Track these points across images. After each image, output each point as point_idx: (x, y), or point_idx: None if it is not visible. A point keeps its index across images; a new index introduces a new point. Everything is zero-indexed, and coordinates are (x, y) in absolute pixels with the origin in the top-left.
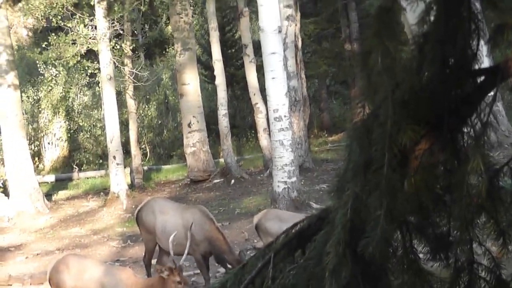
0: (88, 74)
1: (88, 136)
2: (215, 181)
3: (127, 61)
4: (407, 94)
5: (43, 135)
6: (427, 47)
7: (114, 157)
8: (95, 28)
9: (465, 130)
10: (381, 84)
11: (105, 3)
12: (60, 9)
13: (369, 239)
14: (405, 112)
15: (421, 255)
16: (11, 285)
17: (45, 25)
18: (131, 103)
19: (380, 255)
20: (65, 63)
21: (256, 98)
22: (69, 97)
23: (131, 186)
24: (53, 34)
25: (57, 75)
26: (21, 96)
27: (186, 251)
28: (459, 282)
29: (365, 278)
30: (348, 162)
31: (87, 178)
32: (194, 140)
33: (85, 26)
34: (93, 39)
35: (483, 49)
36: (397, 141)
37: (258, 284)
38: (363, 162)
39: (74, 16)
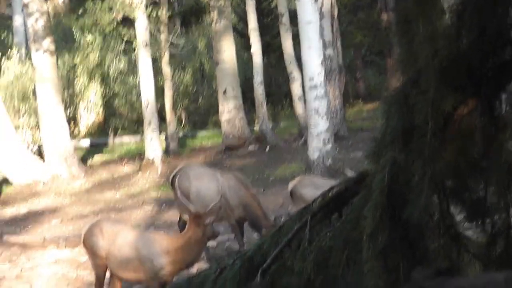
0: (124, 41)
1: (123, 102)
2: (250, 148)
3: (163, 28)
4: (446, 61)
5: (79, 101)
6: (466, 15)
7: (149, 123)
8: None
9: (503, 96)
10: (422, 51)
11: None
12: None
13: (414, 207)
14: (444, 79)
15: (457, 219)
16: (46, 247)
17: None
18: (166, 70)
19: (422, 221)
20: (101, 29)
21: (291, 67)
22: (105, 63)
23: (166, 152)
24: (89, 0)
25: (93, 42)
26: (57, 62)
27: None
28: (495, 246)
29: (403, 242)
30: (385, 128)
31: (122, 143)
32: (229, 107)
33: None
34: (130, 6)
35: None
36: (439, 109)
37: (295, 247)
38: (401, 128)
39: None
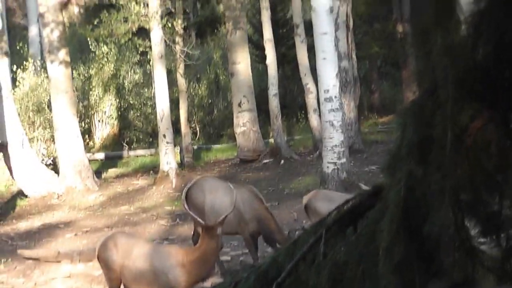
0: (139, 52)
1: (138, 114)
2: (265, 161)
3: (178, 39)
4: (462, 73)
5: (94, 113)
6: (482, 26)
7: (164, 136)
8: (147, 5)
9: None
10: (439, 63)
11: None
12: None
13: (435, 221)
14: (461, 90)
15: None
16: (60, 261)
17: (97, 2)
18: (181, 82)
19: (441, 235)
20: (116, 40)
21: (306, 79)
22: (120, 75)
23: (181, 165)
24: (104, 11)
25: (108, 53)
26: (72, 73)
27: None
28: (510, 260)
29: (419, 256)
30: (401, 140)
31: (137, 156)
32: (244, 120)
33: (136, 3)
34: (145, 16)
35: None
36: (458, 121)
37: (310, 260)
38: (418, 140)
39: None
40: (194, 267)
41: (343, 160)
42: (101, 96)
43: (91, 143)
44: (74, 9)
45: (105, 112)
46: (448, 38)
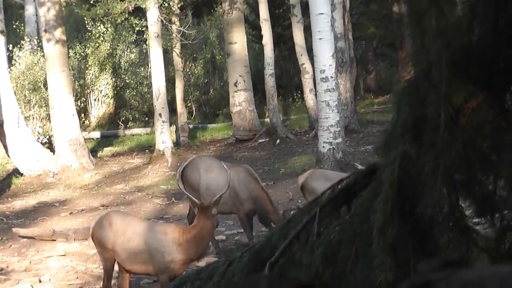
0: (136, 31)
1: (134, 93)
2: (261, 140)
3: (174, 19)
4: (457, 53)
5: (90, 92)
6: (478, 6)
7: (160, 115)
8: None
9: None
10: (434, 44)
11: None
12: None
13: (427, 202)
14: (455, 71)
15: (466, 213)
16: (55, 240)
17: None
18: (177, 61)
19: (434, 215)
20: (112, 20)
21: (303, 59)
22: (116, 54)
23: (176, 144)
24: None
25: (105, 32)
26: (68, 52)
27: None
28: (504, 241)
29: (413, 236)
30: (396, 120)
31: (133, 135)
32: (240, 99)
33: None
34: None
35: None
36: (451, 101)
37: (303, 239)
38: (412, 120)
39: None
40: (189, 246)
41: (339, 140)
42: (97, 75)
43: (87, 121)
44: None
45: (101, 91)
46: (442, 19)
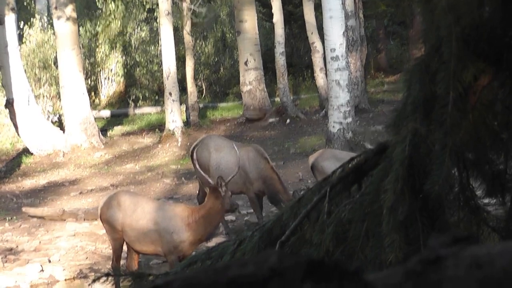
0: (146, 9)
1: (144, 72)
2: (271, 120)
3: None
4: (468, 29)
5: (100, 70)
6: None
7: (170, 94)
8: None
9: None
10: (444, 20)
11: None
12: None
13: (435, 179)
14: (466, 48)
15: (477, 193)
16: (64, 220)
17: None
18: (188, 40)
19: (442, 192)
20: None
21: (313, 37)
22: (127, 32)
23: (187, 123)
24: None
25: (115, 10)
26: (79, 30)
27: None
28: None
29: (423, 214)
30: (407, 97)
31: (143, 114)
32: (250, 78)
33: None
34: None
35: None
36: (461, 79)
37: (314, 218)
38: (423, 98)
39: None
40: (198, 226)
41: (349, 119)
42: (107, 53)
43: (97, 100)
44: None
45: (111, 69)
46: None
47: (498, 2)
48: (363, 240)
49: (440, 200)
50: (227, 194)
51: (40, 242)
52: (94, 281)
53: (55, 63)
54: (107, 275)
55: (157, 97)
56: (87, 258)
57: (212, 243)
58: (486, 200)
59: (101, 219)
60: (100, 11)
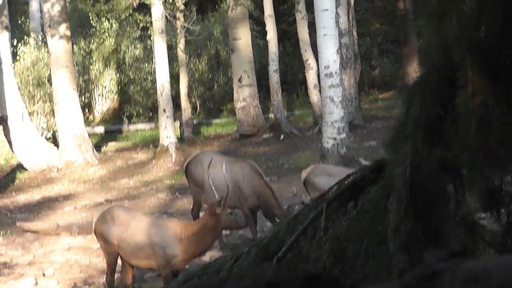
0: (140, 27)
1: (138, 89)
2: (265, 136)
3: (179, 15)
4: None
5: (94, 87)
6: (488, 2)
7: (164, 110)
8: None
9: None
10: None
11: None
12: None
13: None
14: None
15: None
16: (59, 234)
17: None
18: (182, 57)
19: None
20: (117, 15)
21: (307, 55)
22: (121, 50)
23: (181, 139)
24: None
25: (109, 28)
26: (73, 48)
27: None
28: (511, 236)
29: (426, 235)
30: (405, 117)
31: (137, 130)
32: (244, 95)
33: None
34: None
35: None
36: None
37: (310, 235)
38: (424, 118)
39: None
40: (190, 242)
41: (343, 135)
42: (101, 70)
43: (91, 117)
44: None
45: (105, 86)
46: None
47: (497, 21)
48: (363, 258)
49: (444, 220)
50: (223, 213)
51: (34, 256)
52: None
53: (49, 80)
54: None
55: (151, 114)
56: (81, 271)
57: (206, 257)
58: (482, 215)
59: (95, 234)
60: (94, 29)
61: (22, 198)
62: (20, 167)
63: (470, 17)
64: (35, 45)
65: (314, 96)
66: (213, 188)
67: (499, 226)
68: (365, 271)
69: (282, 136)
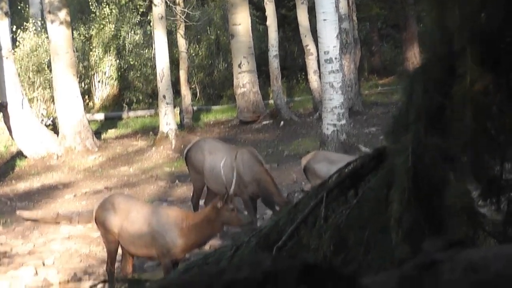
0: (140, 12)
1: (138, 75)
2: (264, 122)
3: (179, 0)
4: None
5: (94, 73)
6: None
7: (164, 97)
8: None
9: None
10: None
11: None
12: None
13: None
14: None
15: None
16: (59, 223)
17: None
18: (182, 43)
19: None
20: (117, 1)
21: (307, 40)
22: (120, 35)
23: (180, 126)
24: None
25: (109, 14)
26: (73, 34)
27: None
28: (511, 225)
29: (428, 222)
30: (407, 105)
31: (137, 117)
32: (244, 81)
33: None
34: None
35: None
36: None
37: (311, 223)
38: (426, 106)
39: None
40: (192, 232)
41: (343, 121)
42: (101, 56)
43: (90, 103)
44: None
45: (105, 72)
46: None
47: (499, 8)
48: (365, 247)
49: (447, 210)
50: (225, 207)
51: (34, 245)
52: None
53: (49, 67)
54: (104, 281)
55: (151, 100)
56: (81, 261)
57: (206, 246)
58: (482, 204)
59: (96, 222)
60: (93, 15)
61: (22, 186)
62: (20, 154)
63: (472, 5)
64: (35, 31)
65: (314, 82)
66: (234, 180)
67: (500, 215)
68: (367, 260)
69: (282, 123)
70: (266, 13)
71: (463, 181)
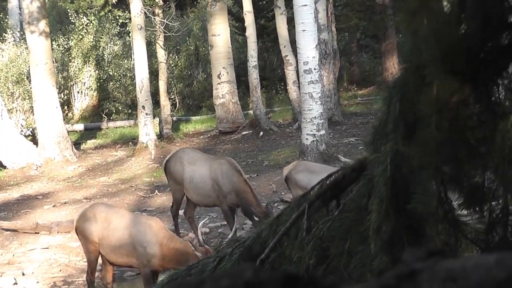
0: (119, 23)
1: (117, 85)
2: (244, 132)
3: (158, 11)
4: (446, 49)
5: (73, 84)
6: (468, 1)
7: (143, 107)
8: None
9: (501, 82)
10: (425, 44)
11: None
12: None
13: (420, 199)
14: (445, 68)
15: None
16: (38, 233)
17: None
18: (161, 54)
19: (426, 211)
20: (96, 12)
21: (286, 51)
22: (100, 46)
23: (160, 136)
24: None
25: (88, 24)
26: (52, 45)
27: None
28: (493, 233)
29: (408, 233)
30: (386, 116)
31: (116, 127)
32: (223, 92)
33: None
34: None
35: None
36: (441, 99)
37: (293, 235)
38: (404, 118)
39: None
40: (170, 254)
41: (322, 132)
42: (80, 67)
43: (70, 114)
44: None
45: (85, 83)
46: (433, 18)
47: (475, 18)
48: (346, 258)
49: (422, 217)
50: (204, 254)
51: (13, 255)
52: None
53: (28, 77)
54: None
55: (130, 111)
56: (60, 270)
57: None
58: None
59: (76, 231)
60: (73, 25)
61: (1, 196)
62: None
63: (448, 15)
64: (14, 42)
65: (293, 92)
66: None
67: (482, 223)
68: (348, 271)
69: (261, 133)
70: (245, 24)
71: (429, 187)
